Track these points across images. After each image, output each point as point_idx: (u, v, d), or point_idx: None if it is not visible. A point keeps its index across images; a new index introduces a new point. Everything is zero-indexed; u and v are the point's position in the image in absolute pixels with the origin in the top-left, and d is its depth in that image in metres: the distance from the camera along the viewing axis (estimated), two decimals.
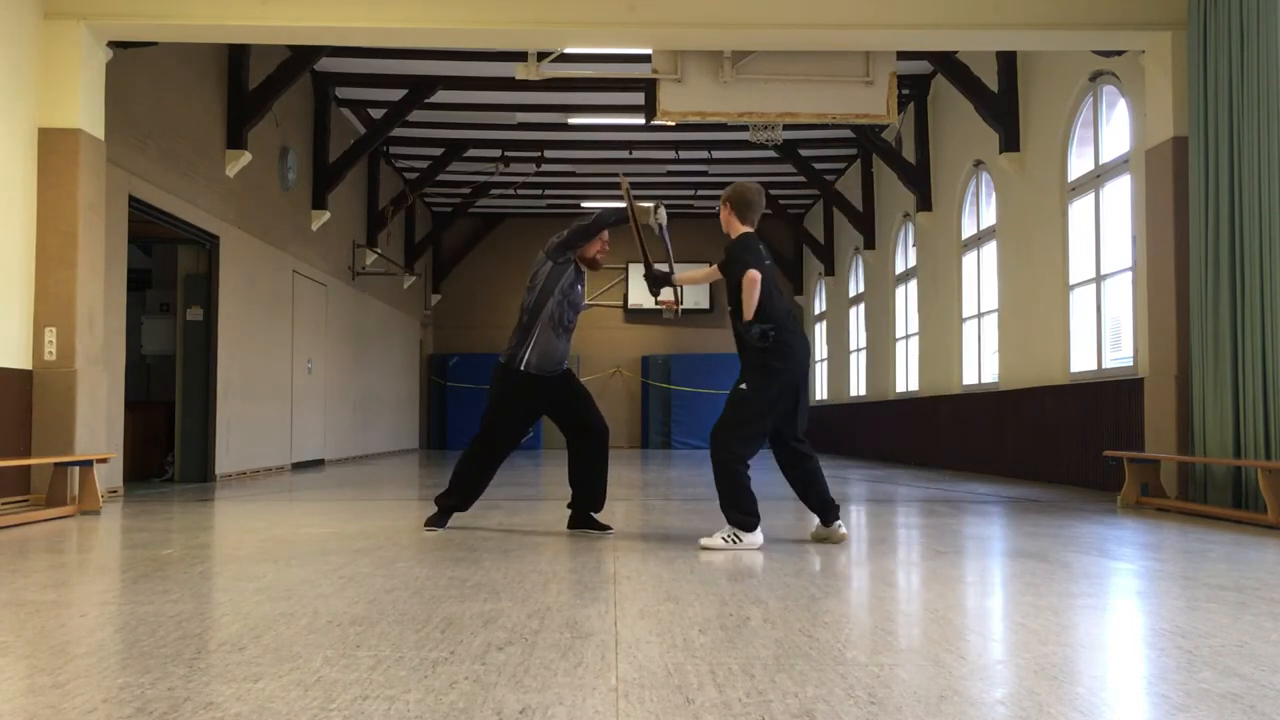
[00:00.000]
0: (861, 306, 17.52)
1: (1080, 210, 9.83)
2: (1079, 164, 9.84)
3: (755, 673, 2.60)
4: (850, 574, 4.37)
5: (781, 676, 2.57)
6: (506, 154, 17.02)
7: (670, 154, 16.97)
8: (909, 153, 14.23)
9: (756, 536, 5.05)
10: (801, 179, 17.92)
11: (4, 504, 6.94)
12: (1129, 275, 8.83)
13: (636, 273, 24.90)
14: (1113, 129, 9.32)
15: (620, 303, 21.84)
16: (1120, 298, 9.15)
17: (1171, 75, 7.58)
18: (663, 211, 5.58)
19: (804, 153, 16.54)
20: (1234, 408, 6.76)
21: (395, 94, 13.80)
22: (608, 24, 7.91)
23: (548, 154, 17.02)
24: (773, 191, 19.62)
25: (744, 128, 12.37)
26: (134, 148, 8.98)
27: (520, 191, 19.62)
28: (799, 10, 7.87)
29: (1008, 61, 10.90)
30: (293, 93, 12.37)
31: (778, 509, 7.34)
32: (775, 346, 5.02)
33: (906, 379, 15.20)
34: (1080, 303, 9.81)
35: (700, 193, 19.98)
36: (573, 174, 18.40)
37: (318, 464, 13.95)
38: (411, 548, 5.06)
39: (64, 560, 4.88)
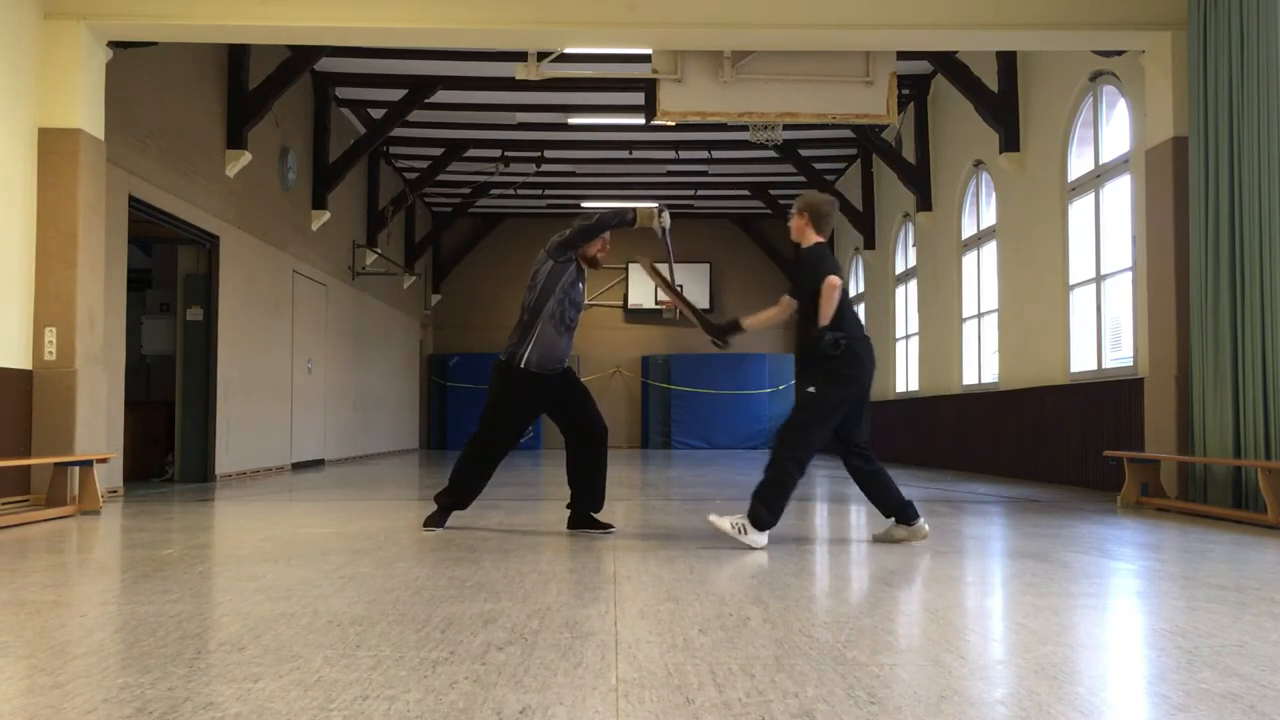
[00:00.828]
0: (861, 306, 17.52)
1: (1080, 210, 9.83)
2: (1079, 164, 9.84)
3: (755, 673, 2.60)
4: (850, 574, 4.37)
5: (781, 676, 2.57)
6: (506, 154, 17.02)
7: (670, 154, 16.97)
8: (909, 153, 14.23)
9: (762, 538, 5.05)
10: (801, 179, 17.91)
11: (4, 504, 6.94)
12: (1129, 275, 8.83)
13: (636, 273, 24.76)
14: (1113, 129, 9.32)
15: (620, 303, 21.86)
16: (1120, 298, 9.15)
17: (1171, 75, 7.58)
18: (666, 215, 5.57)
19: (804, 153, 16.53)
20: (1234, 408, 6.76)
21: (395, 94, 13.80)
22: (608, 24, 7.91)
23: (548, 154, 17.02)
24: (772, 191, 19.63)
25: (744, 128, 12.37)
26: (134, 148, 8.98)
27: (520, 191, 19.62)
28: (799, 10, 7.87)
29: (1008, 61, 10.91)
30: (293, 93, 12.37)
31: None
32: (846, 355, 5.06)
33: (906, 379, 15.20)
34: (1080, 303, 9.81)
35: (700, 193, 19.98)
36: (573, 174, 18.40)
37: (318, 464, 13.95)
38: (411, 548, 5.06)
39: (64, 560, 4.88)
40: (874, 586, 4.08)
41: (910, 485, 9.70)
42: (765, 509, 5.04)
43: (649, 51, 8.70)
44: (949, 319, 13.14)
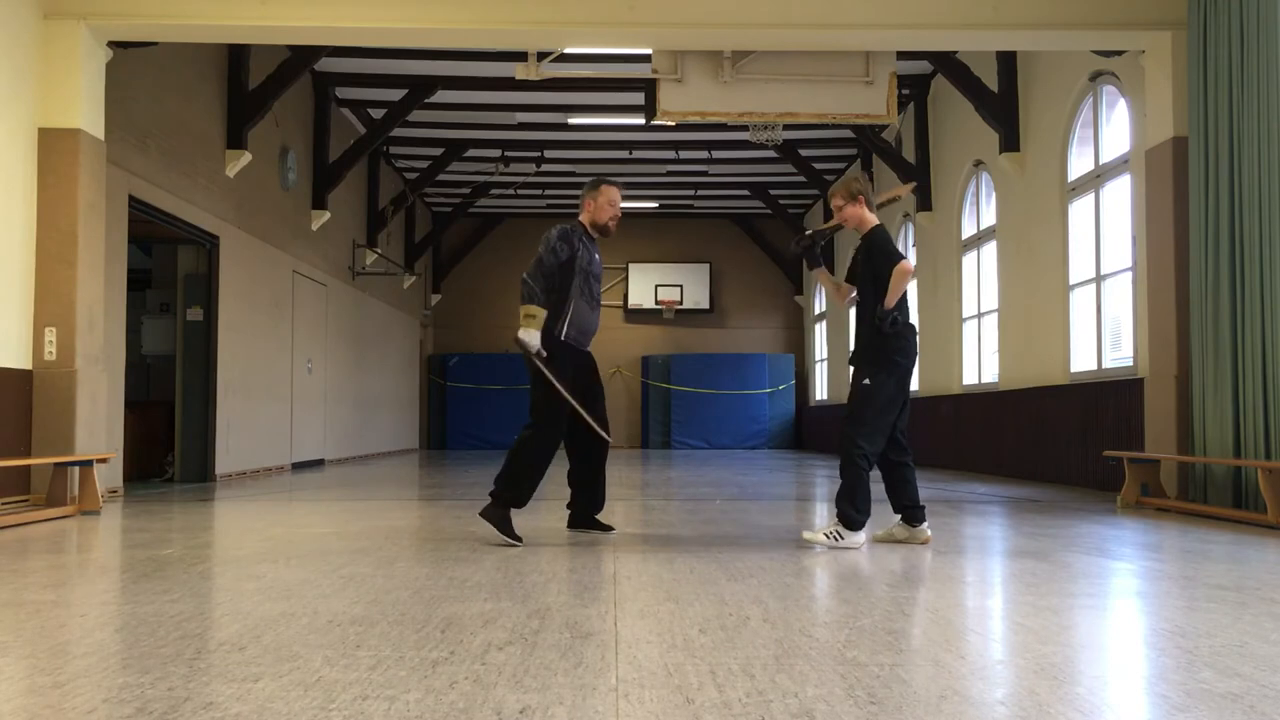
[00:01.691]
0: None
1: (1080, 210, 9.83)
2: (1079, 164, 9.84)
3: (755, 673, 2.60)
4: (850, 574, 4.37)
5: (781, 676, 2.57)
6: (506, 154, 17.02)
7: (670, 154, 16.97)
8: (909, 153, 14.23)
9: (860, 536, 5.05)
10: (801, 179, 17.93)
11: (4, 504, 6.94)
12: (1129, 275, 8.83)
13: (636, 273, 24.72)
14: (1113, 129, 9.32)
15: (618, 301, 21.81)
16: (1120, 298, 9.15)
17: (1171, 75, 7.59)
18: (528, 342, 5.21)
19: (804, 153, 16.54)
20: (1234, 408, 6.77)
21: (395, 94, 13.80)
22: (608, 24, 7.91)
23: (548, 154, 17.02)
24: (772, 191, 19.64)
25: (744, 128, 12.38)
26: (134, 148, 8.98)
27: (520, 191, 19.62)
28: (799, 10, 7.87)
29: (1008, 61, 10.91)
30: (293, 93, 12.37)
31: (778, 509, 7.34)
32: (898, 341, 5.07)
33: None
34: (1080, 303, 9.82)
35: (700, 193, 19.98)
36: (573, 174, 18.39)
37: (318, 464, 13.95)
38: (411, 548, 5.06)
39: (64, 560, 4.88)
40: (874, 586, 4.07)
41: None
42: (852, 509, 5.04)
43: (649, 51, 8.70)
44: (949, 319, 13.14)
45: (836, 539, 5.03)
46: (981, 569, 4.55)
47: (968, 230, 12.72)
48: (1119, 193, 9.11)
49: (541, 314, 5.23)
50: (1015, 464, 10.92)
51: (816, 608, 3.58)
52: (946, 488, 9.54)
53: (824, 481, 10.69)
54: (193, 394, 10.51)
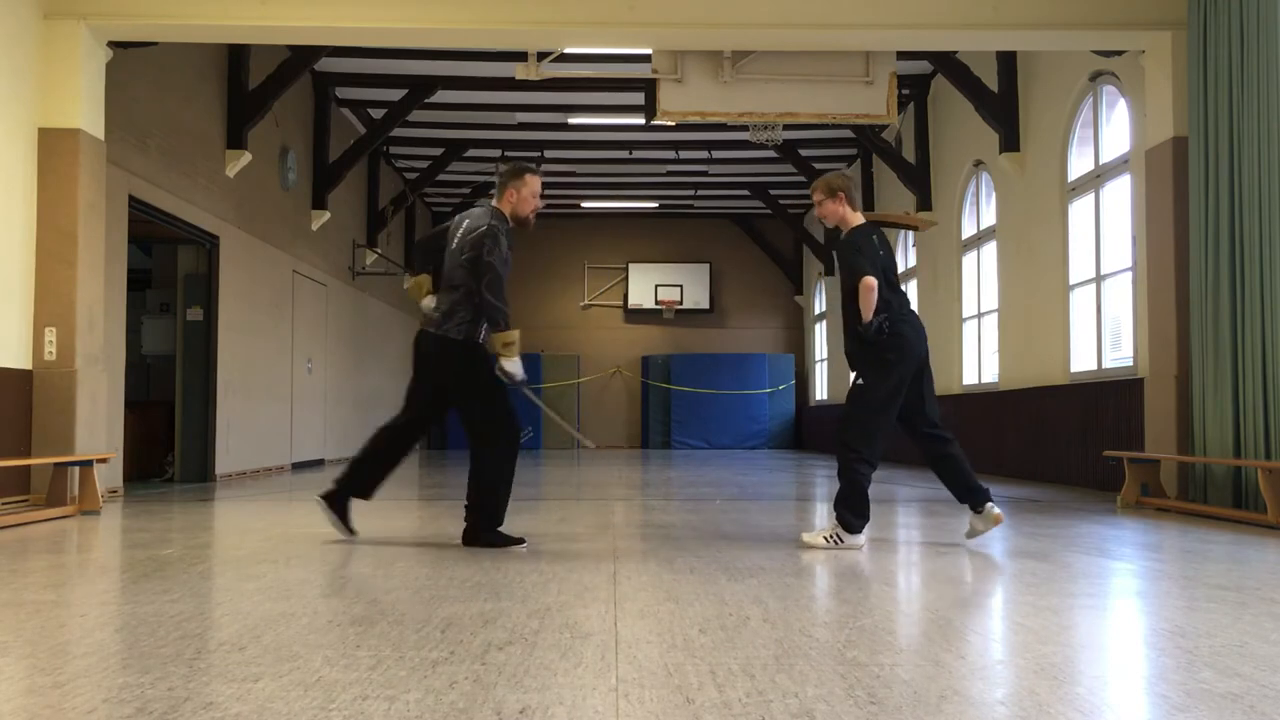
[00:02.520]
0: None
1: (1080, 210, 9.83)
2: (1079, 164, 9.84)
3: (755, 673, 2.60)
4: (850, 574, 4.37)
5: (781, 676, 2.57)
6: (506, 154, 17.02)
7: (670, 154, 16.97)
8: (909, 153, 14.23)
9: (859, 538, 5.03)
10: (801, 179, 17.91)
11: (4, 504, 6.94)
12: (1129, 275, 8.83)
13: (636, 273, 24.72)
14: (1113, 129, 9.32)
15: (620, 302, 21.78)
16: (1120, 298, 9.15)
17: (1171, 75, 7.58)
18: (511, 368, 4.99)
19: (804, 153, 16.53)
20: (1234, 408, 6.76)
21: (395, 94, 13.80)
22: (608, 24, 7.91)
23: (548, 154, 17.02)
24: (772, 191, 19.63)
25: (744, 128, 12.37)
26: (134, 148, 8.98)
27: None
28: (799, 10, 7.87)
29: (1008, 61, 10.90)
30: (293, 93, 12.37)
31: (778, 509, 7.34)
32: (889, 340, 4.96)
33: None
34: (1080, 303, 9.81)
35: (700, 193, 19.98)
36: (573, 174, 18.40)
37: (318, 464, 13.95)
38: (411, 548, 5.06)
39: (64, 560, 4.88)
40: (874, 586, 4.07)
41: (911, 485, 9.70)
42: (850, 513, 5.01)
43: (649, 51, 8.70)
44: (949, 319, 13.14)
45: (836, 542, 5.02)
46: (981, 569, 4.54)
47: (968, 230, 12.71)
48: (1119, 193, 9.11)
49: (517, 337, 4.98)
50: (1015, 464, 10.92)
51: (816, 608, 3.58)
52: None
53: (824, 482, 10.69)
54: (193, 394, 10.51)
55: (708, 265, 22.21)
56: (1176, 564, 4.65)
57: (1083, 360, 9.76)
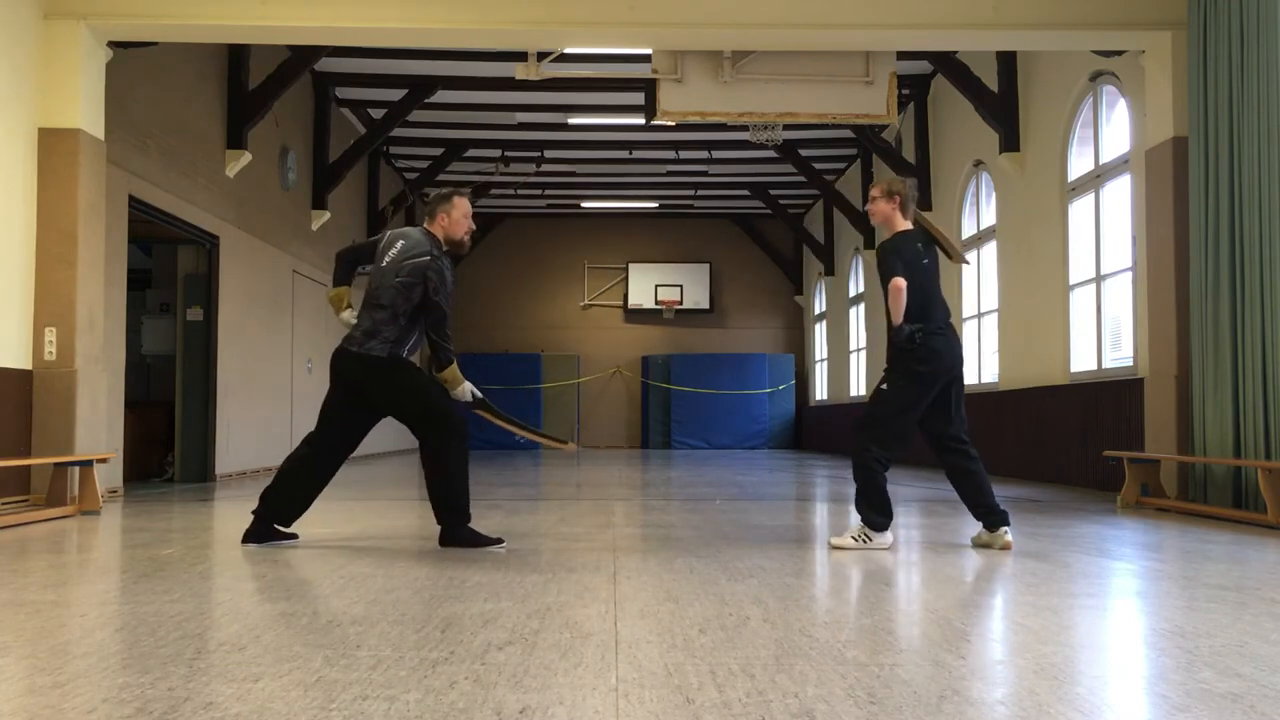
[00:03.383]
0: (861, 306, 17.51)
1: (1080, 210, 9.83)
2: (1079, 164, 9.84)
3: (755, 673, 2.60)
4: (850, 574, 4.37)
5: (781, 676, 2.57)
6: (506, 154, 17.02)
7: (670, 154, 16.97)
8: (909, 153, 14.22)
9: (887, 537, 5.03)
10: (801, 179, 17.92)
11: (4, 504, 6.94)
12: (1129, 275, 8.83)
13: (636, 273, 24.64)
14: (1113, 129, 9.32)
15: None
16: (1120, 298, 9.15)
17: (1171, 75, 7.58)
18: (463, 390, 5.07)
19: (804, 153, 16.53)
20: (1234, 408, 6.76)
21: (395, 94, 13.80)
22: (608, 24, 7.91)
23: (548, 154, 17.02)
24: (772, 191, 19.63)
25: (744, 128, 12.37)
26: (134, 148, 8.98)
27: (520, 191, 19.62)
28: (799, 10, 7.87)
29: (1008, 61, 10.90)
30: (293, 93, 12.36)
31: (778, 509, 7.34)
32: (920, 350, 4.96)
33: None
34: (1080, 303, 9.81)
35: (700, 193, 19.98)
36: (573, 174, 18.40)
37: None
38: (411, 548, 5.06)
39: (64, 560, 4.88)
40: (874, 586, 4.08)
41: (911, 485, 9.70)
42: (873, 512, 5.02)
43: (649, 51, 8.70)
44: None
45: (865, 542, 5.01)
46: (981, 569, 4.54)
47: (968, 230, 12.71)
48: (1119, 193, 9.11)
49: (457, 372, 5.03)
50: (1015, 464, 10.92)
51: (816, 608, 3.58)
52: (947, 488, 9.52)
53: (824, 482, 10.69)
54: (193, 394, 10.51)
55: (708, 265, 22.21)
56: (1176, 564, 4.65)
57: (1083, 360, 9.76)
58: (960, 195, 12.85)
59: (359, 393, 5.05)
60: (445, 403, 5.02)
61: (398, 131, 15.39)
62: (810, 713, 2.26)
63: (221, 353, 10.64)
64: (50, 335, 7.41)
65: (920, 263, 5.10)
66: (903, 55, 10.01)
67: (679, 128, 14.90)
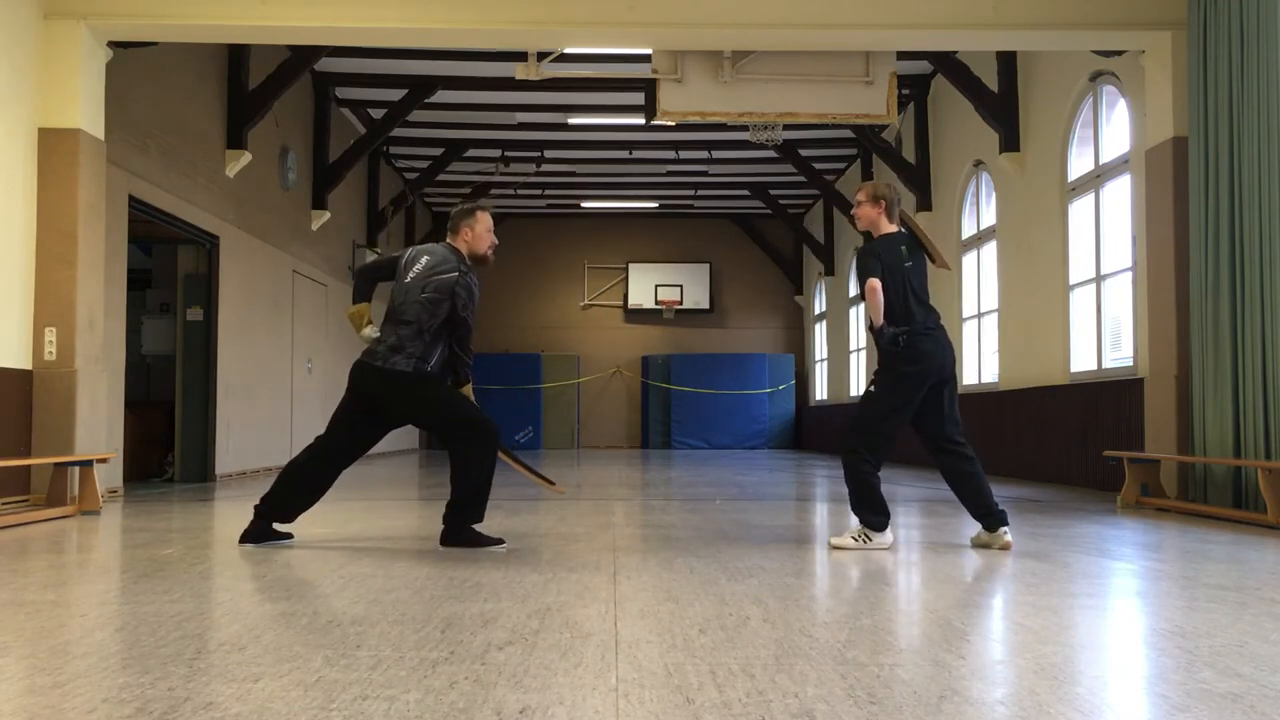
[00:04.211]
0: (861, 306, 17.48)
1: (1080, 210, 9.83)
2: (1079, 164, 9.84)
3: (755, 673, 2.60)
4: (850, 574, 4.37)
5: (781, 676, 2.57)
6: (506, 154, 17.02)
7: (670, 154, 16.97)
8: (909, 153, 14.23)
9: (886, 536, 5.04)
10: (801, 179, 17.92)
11: (4, 504, 6.94)
12: (1129, 275, 8.83)
13: (636, 273, 24.65)
14: (1113, 129, 9.32)
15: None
16: (1120, 298, 9.15)
17: (1171, 75, 7.58)
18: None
19: (804, 153, 16.54)
20: (1234, 408, 6.76)
21: (395, 94, 13.80)
22: (608, 24, 7.91)
23: (548, 154, 17.02)
24: (772, 191, 19.63)
25: (744, 128, 12.37)
26: (134, 148, 8.98)
27: (520, 191, 19.62)
28: (799, 10, 7.87)
29: (1008, 61, 10.90)
30: (293, 93, 12.37)
31: (778, 509, 7.34)
32: (907, 351, 4.96)
33: None
34: (1080, 303, 9.81)
35: (700, 193, 19.98)
36: (573, 174, 18.40)
37: None
38: (411, 548, 5.06)
39: (64, 560, 4.88)
40: (874, 586, 4.08)
41: (911, 485, 9.70)
42: (870, 513, 5.03)
43: (649, 51, 8.70)
44: (949, 319, 12.99)
45: (865, 542, 5.02)
46: (981, 569, 4.54)
47: (968, 230, 12.71)
48: (1119, 193, 9.11)
49: (470, 391, 5.14)
50: (1015, 464, 10.92)
51: (816, 608, 3.58)
52: (946, 488, 9.52)
53: (824, 482, 10.69)
54: (193, 394, 10.51)
55: (708, 265, 22.21)
56: (1176, 564, 4.65)
57: (1083, 360, 9.76)
58: (960, 195, 12.85)
59: (379, 406, 5.10)
60: (475, 410, 5.05)
61: (398, 131, 15.39)
62: (810, 713, 2.26)
63: (221, 353, 10.64)
64: (50, 335, 7.41)
65: (902, 265, 5.10)
66: (903, 55, 10.02)
67: (679, 128, 14.91)
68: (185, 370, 10.54)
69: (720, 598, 3.66)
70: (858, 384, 17.82)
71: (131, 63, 8.72)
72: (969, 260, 12.70)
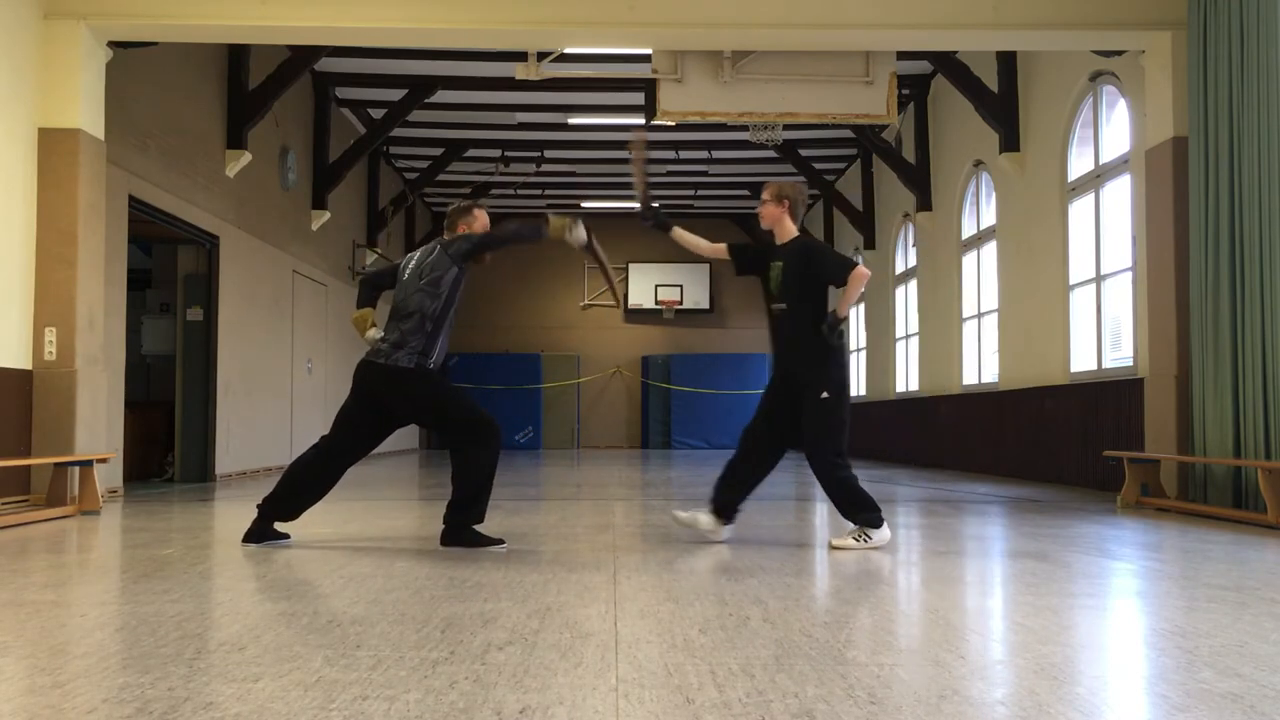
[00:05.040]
0: (861, 306, 17.52)
1: (1080, 210, 9.82)
2: (1079, 164, 9.84)
3: (755, 673, 2.60)
4: (850, 574, 4.37)
5: (781, 676, 2.57)
6: (506, 154, 17.02)
7: (670, 154, 16.96)
8: (909, 153, 14.22)
9: (885, 532, 5.07)
10: (801, 179, 17.91)
11: (4, 504, 6.94)
12: (1129, 275, 8.83)
13: (636, 273, 24.61)
14: (1113, 129, 9.32)
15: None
16: (1120, 298, 9.15)
17: (1171, 75, 7.58)
18: (580, 230, 5.13)
19: (804, 153, 16.53)
20: (1234, 408, 6.76)
21: (395, 94, 13.80)
22: (608, 24, 7.91)
23: (548, 154, 17.02)
24: None
25: (744, 128, 12.37)
26: (134, 148, 8.98)
27: (520, 191, 19.62)
28: (799, 10, 7.87)
29: (1008, 61, 10.90)
30: (293, 93, 12.36)
31: (777, 509, 7.34)
32: (835, 352, 5.11)
33: (906, 379, 15.20)
34: (1080, 303, 9.81)
35: (700, 193, 19.98)
36: (573, 174, 18.40)
37: None
38: (411, 548, 5.06)
39: (64, 560, 4.88)
40: (874, 586, 4.08)
41: (910, 485, 9.71)
42: (863, 512, 5.06)
43: (649, 51, 8.70)
44: (949, 319, 13.13)
45: (865, 540, 5.04)
46: (981, 569, 4.55)
47: (968, 230, 12.71)
48: (1119, 193, 9.11)
49: (557, 221, 5.12)
50: (1015, 464, 10.92)
51: (816, 608, 3.58)
52: (946, 488, 9.53)
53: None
54: (193, 394, 10.51)
55: (708, 265, 22.18)
56: (1176, 564, 4.65)
57: (1083, 360, 9.75)
58: (960, 195, 12.85)
59: (382, 404, 5.11)
60: (476, 410, 5.06)
61: (398, 131, 15.38)
62: (810, 713, 2.26)
63: (221, 353, 10.64)
64: (50, 335, 7.41)
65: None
66: (903, 55, 10.02)
67: (679, 128, 14.90)
68: (185, 370, 10.54)
69: (720, 598, 3.66)
70: (857, 384, 17.82)
71: (131, 63, 8.72)
72: (969, 260, 12.70)
